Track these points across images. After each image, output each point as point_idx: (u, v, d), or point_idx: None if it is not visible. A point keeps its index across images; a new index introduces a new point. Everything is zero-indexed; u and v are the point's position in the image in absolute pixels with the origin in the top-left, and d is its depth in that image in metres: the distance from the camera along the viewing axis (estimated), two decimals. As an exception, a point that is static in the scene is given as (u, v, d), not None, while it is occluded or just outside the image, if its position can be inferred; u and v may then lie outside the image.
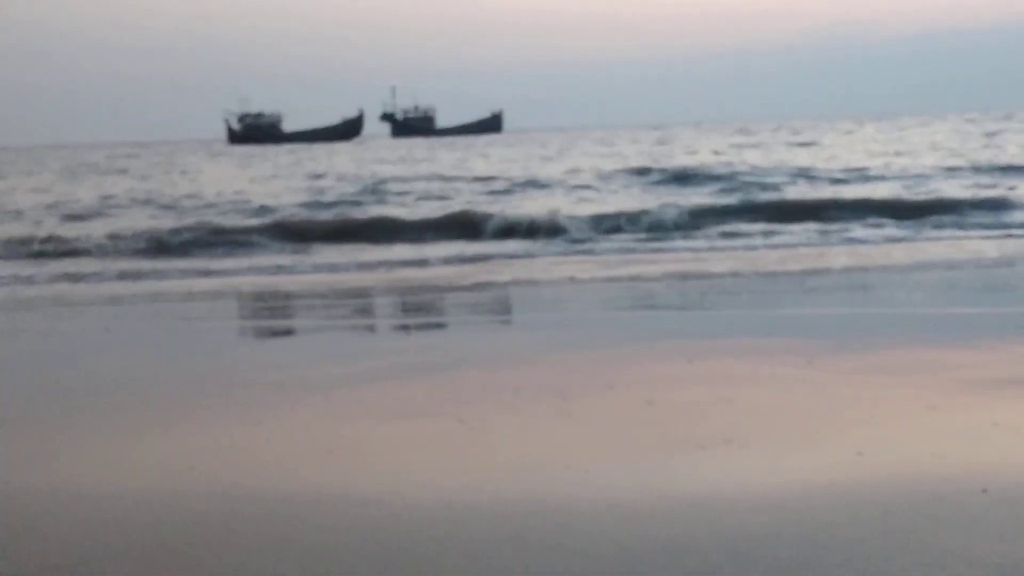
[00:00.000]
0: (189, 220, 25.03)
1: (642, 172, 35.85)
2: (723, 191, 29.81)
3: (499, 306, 13.08)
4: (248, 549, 4.60)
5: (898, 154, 44.90)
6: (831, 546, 4.46)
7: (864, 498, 5.03)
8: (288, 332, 11.48)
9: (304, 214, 26.30)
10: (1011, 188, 27.85)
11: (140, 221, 25.86)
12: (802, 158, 44.52)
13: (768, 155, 47.41)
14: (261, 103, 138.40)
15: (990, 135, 58.72)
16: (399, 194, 32.73)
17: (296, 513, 5.02)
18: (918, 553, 4.37)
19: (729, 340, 9.58)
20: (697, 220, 22.55)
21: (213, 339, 10.74)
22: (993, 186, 28.91)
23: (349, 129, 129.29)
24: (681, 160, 44.64)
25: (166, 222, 24.98)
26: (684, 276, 15.25)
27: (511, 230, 21.18)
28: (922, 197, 26.45)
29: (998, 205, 24.12)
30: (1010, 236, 19.55)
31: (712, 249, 18.76)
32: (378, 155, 61.50)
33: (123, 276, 17.10)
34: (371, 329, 11.63)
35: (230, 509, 5.12)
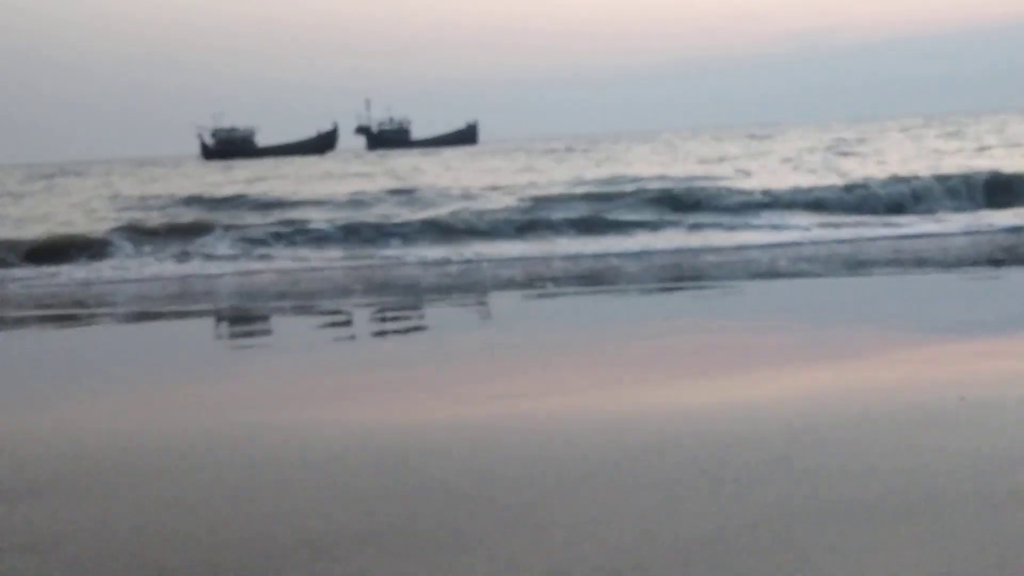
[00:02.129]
0: None
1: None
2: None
3: None
4: (264, 474, 4.60)
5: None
6: (808, 445, 4.49)
7: (844, 407, 5.07)
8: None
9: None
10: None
11: None
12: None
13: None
14: (235, 118, 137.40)
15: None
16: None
17: (310, 439, 5.05)
18: (893, 447, 4.40)
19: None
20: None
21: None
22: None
23: (324, 142, 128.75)
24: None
25: None
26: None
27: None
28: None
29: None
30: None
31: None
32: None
33: None
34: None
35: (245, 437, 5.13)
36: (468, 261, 15.14)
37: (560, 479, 4.23)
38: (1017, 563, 3.16)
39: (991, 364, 5.98)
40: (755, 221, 18.57)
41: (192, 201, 26.24)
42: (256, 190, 28.92)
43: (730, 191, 21.77)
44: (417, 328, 9.86)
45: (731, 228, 17.87)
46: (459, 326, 9.54)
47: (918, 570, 3.14)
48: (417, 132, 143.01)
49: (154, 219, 21.37)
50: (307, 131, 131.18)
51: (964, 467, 4.08)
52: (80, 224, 20.95)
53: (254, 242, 17.63)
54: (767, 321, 8.27)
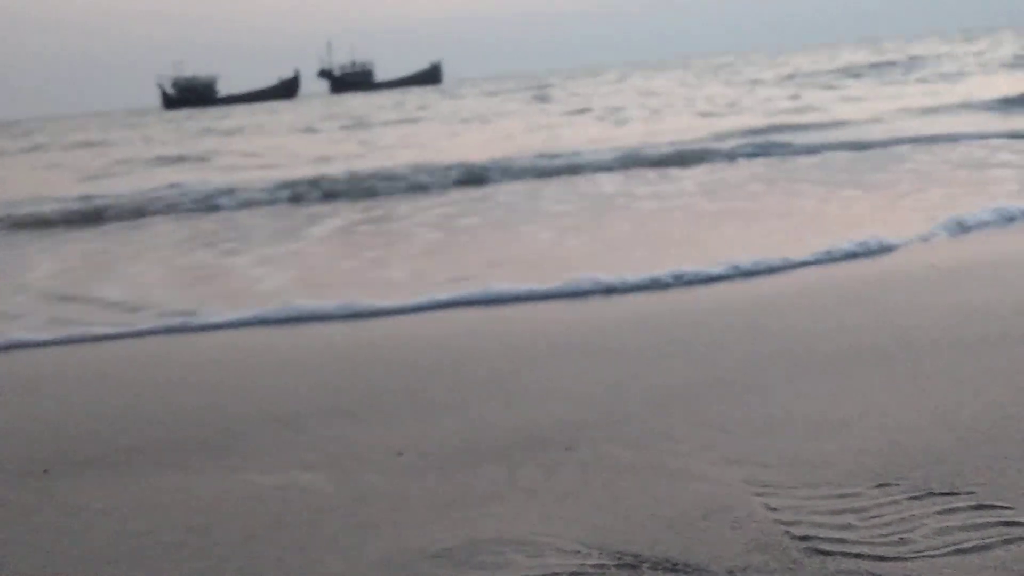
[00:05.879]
0: None
1: None
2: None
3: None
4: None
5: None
6: (777, 312, 4.44)
7: (810, 279, 5.02)
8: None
9: None
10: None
11: None
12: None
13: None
14: (196, 68, 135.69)
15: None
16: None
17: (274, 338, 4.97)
18: (864, 307, 4.36)
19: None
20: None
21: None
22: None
23: (286, 88, 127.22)
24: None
25: None
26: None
27: None
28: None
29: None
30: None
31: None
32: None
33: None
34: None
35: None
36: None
37: (531, 354, 4.16)
38: (995, 392, 3.11)
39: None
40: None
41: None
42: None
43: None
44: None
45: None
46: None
47: (894, 406, 3.09)
48: (381, 74, 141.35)
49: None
50: (269, 78, 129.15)
51: (935, 319, 4.04)
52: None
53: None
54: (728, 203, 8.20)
